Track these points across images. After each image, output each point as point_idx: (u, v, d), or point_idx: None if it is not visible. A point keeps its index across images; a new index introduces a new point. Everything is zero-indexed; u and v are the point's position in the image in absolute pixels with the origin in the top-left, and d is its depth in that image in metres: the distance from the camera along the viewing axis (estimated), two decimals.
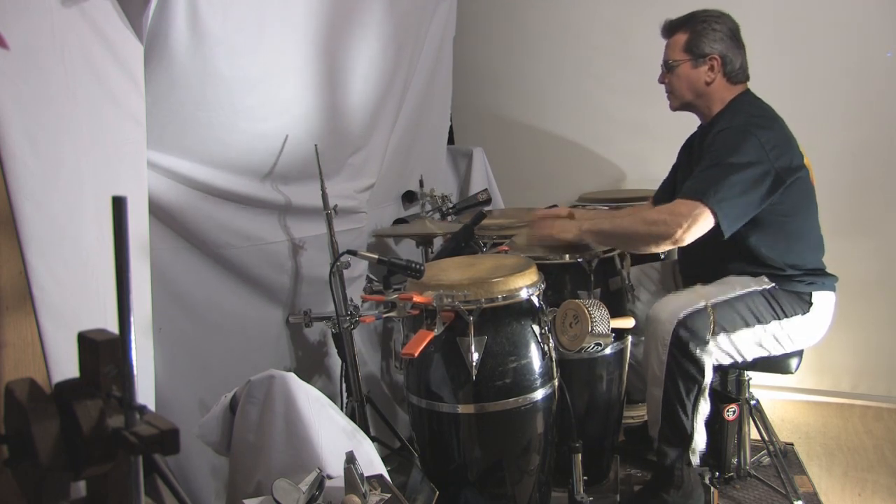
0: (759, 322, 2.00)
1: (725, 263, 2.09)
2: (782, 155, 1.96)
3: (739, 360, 2.04)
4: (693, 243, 1.94)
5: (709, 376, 1.97)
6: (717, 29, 2.08)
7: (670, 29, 2.17)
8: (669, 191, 2.28)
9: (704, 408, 1.99)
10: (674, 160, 2.38)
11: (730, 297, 2.00)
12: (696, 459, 2.03)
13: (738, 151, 1.93)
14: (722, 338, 1.97)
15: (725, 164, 1.93)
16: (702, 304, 1.97)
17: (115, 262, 0.74)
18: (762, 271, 2.05)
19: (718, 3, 2.20)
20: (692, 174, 2.01)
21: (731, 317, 1.98)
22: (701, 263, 2.15)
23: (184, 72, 1.75)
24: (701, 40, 2.08)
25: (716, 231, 1.92)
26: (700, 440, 2.02)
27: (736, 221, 1.93)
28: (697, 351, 1.94)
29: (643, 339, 2.09)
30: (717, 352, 1.99)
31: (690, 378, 1.95)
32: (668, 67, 2.16)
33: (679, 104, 2.19)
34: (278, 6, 1.97)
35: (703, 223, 1.90)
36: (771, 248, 2.03)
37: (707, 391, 1.98)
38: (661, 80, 2.20)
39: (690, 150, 2.28)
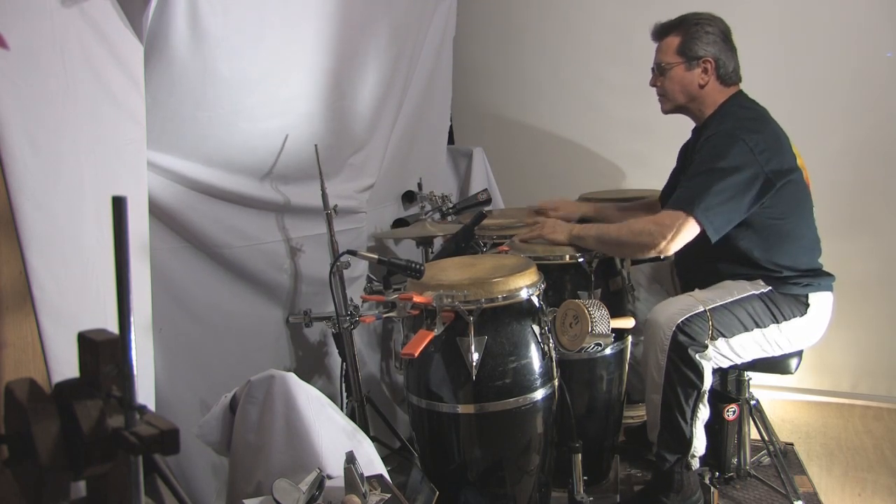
0: (758, 326, 2.00)
1: (720, 266, 2.08)
2: (772, 158, 1.95)
3: (739, 362, 2.04)
4: (688, 248, 1.94)
5: (708, 381, 1.96)
6: (709, 31, 2.06)
7: (662, 32, 2.14)
8: (669, 195, 2.28)
9: (704, 413, 1.99)
10: (673, 160, 2.38)
11: (728, 301, 2.00)
12: (695, 464, 2.02)
13: (726, 157, 1.93)
14: (721, 342, 1.97)
15: (711, 171, 1.93)
16: (700, 308, 1.96)
17: (115, 262, 0.74)
18: (758, 274, 2.05)
19: (720, 3, 2.20)
20: (680, 182, 2.00)
21: (729, 321, 1.97)
22: (696, 267, 2.15)
23: (184, 72, 1.75)
24: (694, 43, 2.06)
25: (703, 237, 1.92)
26: (700, 445, 2.01)
27: (722, 228, 1.94)
28: (696, 356, 1.93)
29: (643, 339, 2.09)
30: (716, 356, 1.98)
31: (689, 383, 1.94)
32: (661, 70, 2.13)
33: (672, 107, 2.17)
34: (278, 6, 1.97)
35: (688, 233, 1.91)
36: (765, 251, 2.02)
37: (706, 396, 1.98)
38: (653, 84, 2.18)
39: (685, 155, 2.28)
